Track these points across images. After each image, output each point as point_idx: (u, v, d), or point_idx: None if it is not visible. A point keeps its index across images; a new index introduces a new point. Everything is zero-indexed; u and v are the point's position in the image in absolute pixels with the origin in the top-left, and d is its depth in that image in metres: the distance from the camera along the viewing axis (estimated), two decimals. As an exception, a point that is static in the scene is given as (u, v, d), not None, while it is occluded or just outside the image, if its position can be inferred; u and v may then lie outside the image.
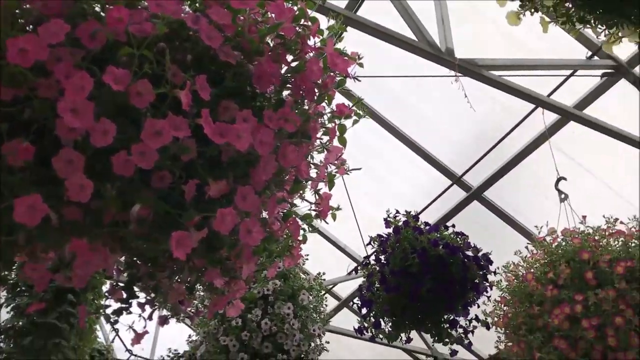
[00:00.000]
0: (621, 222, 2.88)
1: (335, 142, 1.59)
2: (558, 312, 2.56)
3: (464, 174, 5.20)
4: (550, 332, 2.59)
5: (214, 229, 1.19)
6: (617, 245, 2.77)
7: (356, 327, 3.97)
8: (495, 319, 2.98)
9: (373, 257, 3.96)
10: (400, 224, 3.93)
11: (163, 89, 1.15)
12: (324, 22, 1.60)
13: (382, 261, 3.86)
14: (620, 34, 1.85)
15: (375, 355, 7.63)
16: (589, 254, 2.68)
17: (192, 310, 2.12)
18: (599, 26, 1.87)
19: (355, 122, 1.64)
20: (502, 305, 2.97)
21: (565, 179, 3.59)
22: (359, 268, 5.63)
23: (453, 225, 3.95)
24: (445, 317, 3.89)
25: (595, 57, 3.65)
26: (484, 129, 4.82)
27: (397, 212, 4.10)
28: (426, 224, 3.98)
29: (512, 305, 2.88)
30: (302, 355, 3.45)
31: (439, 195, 5.46)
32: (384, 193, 5.87)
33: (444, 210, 5.50)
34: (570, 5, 1.83)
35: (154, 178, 1.20)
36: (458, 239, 3.86)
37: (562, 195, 3.50)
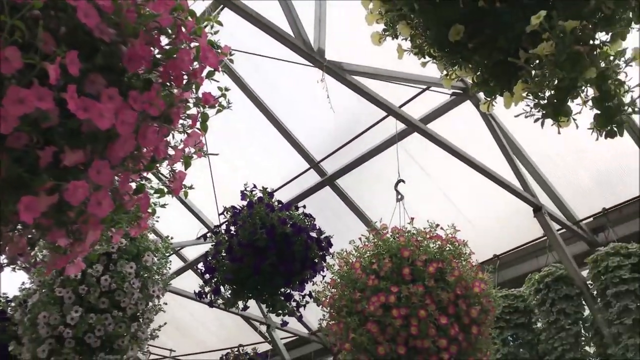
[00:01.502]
0: (441, 228, 3.30)
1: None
2: (375, 299, 2.90)
3: (321, 160, 5.51)
4: (366, 316, 2.93)
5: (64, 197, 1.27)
6: (434, 248, 3.17)
7: (197, 291, 4.12)
8: (323, 298, 3.27)
9: (224, 226, 4.11)
10: (255, 198, 4.12)
11: (32, 59, 1.19)
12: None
13: (232, 232, 4.03)
14: (457, 73, 2.15)
15: (214, 318, 7.84)
16: (409, 252, 3.05)
17: (30, 261, 2.13)
18: (445, 63, 2.16)
19: (218, 111, 1.77)
20: (331, 287, 3.27)
21: (404, 181, 3.97)
22: (208, 235, 5.75)
23: (304, 207, 4.22)
24: (282, 290, 4.17)
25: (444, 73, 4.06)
26: (347, 121, 5.14)
27: (255, 186, 4.28)
28: (279, 202, 4.21)
29: (339, 288, 3.18)
30: (138, 314, 3.52)
31: (295, 177, 5.74)
32: (249, 168, 6.02)
33: (299, 190, 5.79)
34: (423, 41, 2.09)
35: (10, 138, 1.24)
36: (306, 220, 4.14)
37: (399, 196, 3.89)
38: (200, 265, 4.21)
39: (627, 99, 1.70)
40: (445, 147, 4.29)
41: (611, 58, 1.74)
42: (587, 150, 4.69)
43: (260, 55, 3.79)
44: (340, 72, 3.60)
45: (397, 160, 3.96)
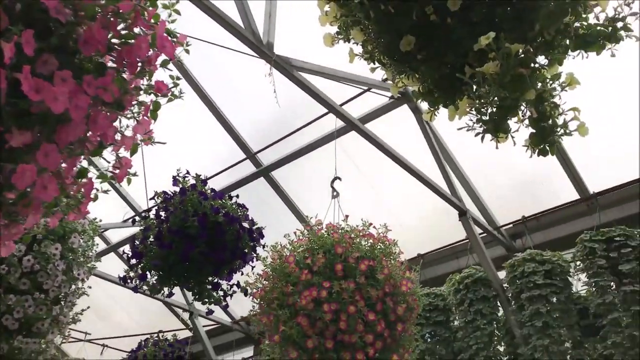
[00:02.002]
0: (373, 227, 3.39)
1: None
2: (307, 294, 2.95)
3: (258, 151, 5.51)
4: (297, 310, 2.98)
5: (9, 179, 1.23)
6: (366, 246, 3.27)
7: (121, 276, 4.03)
8: (254, 290, 3.30)
9: (154, 211, 4.04)
10: (188, 185, 4.07)
11: (-14, 35, 1.15)
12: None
13: (162, 217, 3.96)
14: (404, 81, 2.22)
15: (134, 302, 7.66)
16: (342, 249, 3.12)
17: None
18: (393, 71, 2.23)
19: (169, 100, 1.75)
20: (263, 279, 3.29)
21: (340, 179, 4.05)
22: (137, 219, 5.62)
23: (237, 196, 4.22)
24: (210, 279, 4.15)
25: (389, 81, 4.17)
26: (287, 115, 5.16)
27: (188, 173, 4.23)
28: (212, 190, 4.18)
29: (271, 281, 3.22)
30: (61, 297, 3.41)
31: (231, 166, 5.71)
32: (183, 154, 5.92)
33: (233, 180, 5.76)
34: (374, 47, 2.15)
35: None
36: (239, 210, 4.14)
37: (335, 193, 3.96)
38: (127, 249, 4.13)
39: (560, 120, 1.83)
40: (381, 148, 4.40)
41: (548, 81, 1.86)
42: (510, 160, 4.94)
43: (208, 42, 3.75)
44: (288, 68, 3.62)
45: (335, 157, 4.03)
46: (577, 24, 1.84)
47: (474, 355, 4.65)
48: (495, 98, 1.75)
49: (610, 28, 1.83)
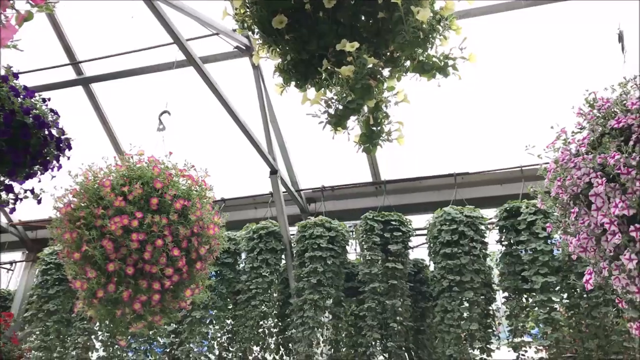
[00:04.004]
0: (194, 169, 3.54)
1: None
2: (118, 220, 3.02)
3: (84, 61, 5.21)
4: (104, 233, 3.03)
5: None
6: (185, 185, 3.41)
7: None
8: (61, 205, 3.24)
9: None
10: (-2, 75, 3.76)
11: None
12: None
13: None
14: (266, 53, 2.40)
15: None
16: (162, 185, 3.23)
17: None
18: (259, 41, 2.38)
19: (41, 11, 1.71)
20: (71, 195, 3.25)
21: (169, 113, 4.08)
22: None
23: (49, 99, 3.99)
24: (2, 179, 3.91)
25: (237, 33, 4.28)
26: (130, 34, 4.95)
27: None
28: (25, 87, 3.91)
29: (81, 199, 3.19)
30: None
31: (49, 68, 5.31)
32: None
33: (47, 81, 5.37)
34: (249, 16, 2.29)
35: None
36: (50, 114, 3.94)
37: (161, 126, 3.99)
38: None
39: (386, 128, 2.18)
40: (215, 91, 4.49)
41: (385, 93, 2.21)
42: (325, 136, 5.40)
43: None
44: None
45: (171, 93, 4.04)
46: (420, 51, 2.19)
47: (252, 297, 5.10)
48: (345, 97, 2.03)
49: (443, 63, 2.22)
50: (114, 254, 3.03)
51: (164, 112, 4.06)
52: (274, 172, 5.21)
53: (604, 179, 2.25)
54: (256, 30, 2.32)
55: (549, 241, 4.59)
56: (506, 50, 4.79)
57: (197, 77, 4.41)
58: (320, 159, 6.02)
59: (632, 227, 2.13)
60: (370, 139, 2.15)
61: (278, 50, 2.35)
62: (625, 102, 2.40)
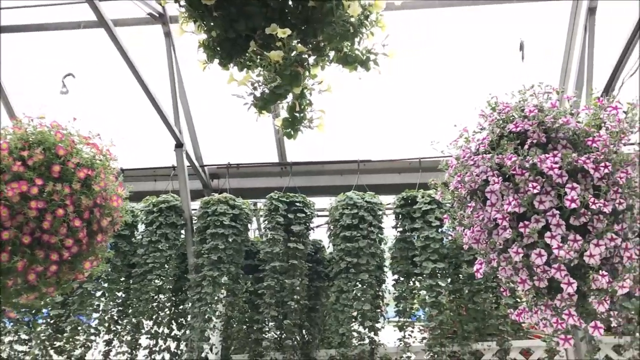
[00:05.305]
0: (99, 137, 3.40)
1: None
2: (15, 185, 2.85)
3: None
4: (-1, 198, 2.85)
5: None
6: (88, 154, 3.27)
7: None
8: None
9: None
10: None
11: None
12: None
13: None
14: (191, 28, 2.36)
15: None
16: (65, 152, 3.08)
17: None
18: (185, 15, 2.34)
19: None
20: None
21: (73, 75, 3.89)
22: None
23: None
24: None
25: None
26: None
27: None
28: None
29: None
30: None
31: None
32: None
33: None
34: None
35: None
36: None
37: (64, 89, 3.79)
38: None
39: (308, 115, 2.25)
40: (124, 56, 4.31)
41: (310, 81, 2.26)
42: (234, 114, 5.37)
43: None
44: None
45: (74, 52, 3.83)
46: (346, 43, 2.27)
47: (150, 271, 5.01)
48: (271, 82, 2.06)
49: (365, 57, 2.31)
50: (9, 221, 2.86)
51: (68, 74, 3.86)
52: (179, 145, 5.10)
53: (500, 178, 2.47)
54: (182, 2, 2.29)
55: (440, 230, 4.90)
56: (415, 46, 5.01)
57: (104, 41, 4.21)
58: (227, 135, 5.98)
59: (521, 224, 2.36)
60: (292, 125, 2.21)
61: (204, 25, 2.33)
62: (523, 108, 2.62)
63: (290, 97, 2.18)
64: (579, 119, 2.58)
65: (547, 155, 2.37)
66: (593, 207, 2.25)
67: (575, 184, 2.28)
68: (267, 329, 5.03)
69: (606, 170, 2.27)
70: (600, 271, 2.24)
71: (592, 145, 2.36)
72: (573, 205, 2.24)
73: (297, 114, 2.20)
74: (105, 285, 5.16)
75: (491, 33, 5.01)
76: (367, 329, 4.79)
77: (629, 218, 2.33)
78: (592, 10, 4.50)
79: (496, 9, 4.75)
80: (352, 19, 2.11)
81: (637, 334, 4.18)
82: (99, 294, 5.14)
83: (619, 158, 2.32)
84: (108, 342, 5.12)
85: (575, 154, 2.34)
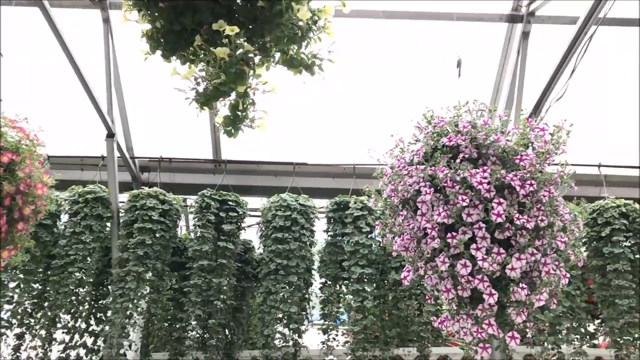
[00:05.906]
0: (26, 120, 3.26)
1: None
2: None
3: None
4: None
5: None
6: (14, 138, 3.12)
7: None
8: None
9: None
10: None
11: None
12: None
13: None
14: (134, 17, 2.30)
15: None
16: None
17: None
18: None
19: None
20: None
21: (2, 54, 3.69)
22: None
23: None
24: None
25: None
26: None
27: None
28: None
29: None
30: None
31: None
32: None
33: None
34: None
35: None
36: None
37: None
38: None
39: (250, 115, 2.24)
40: (58, 37, 4.13)
41: (252, 80, 2.25)
42: (168, 106, 5.28)
43: None
44: None
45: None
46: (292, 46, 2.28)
47: (68, 264, 4.81)
48: (216, 80, 2.04)
49: (310, 61, 2.33)
50: None
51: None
52: (111, 135, 4.94)
53: (431, 189, 2.55)
54: (127, -11, 2.23)
55: (370, 236, 4.99)
56: (357, 55, 5.09)
57: (38, 20, 4.03)
58: (160, 128, 5.85)
59: (449, 234, 2.45)
60: (234, 123, 2.19)
61: (148, 15, 2.27)
62: (457, 123, 2.73)
63: (233, 95, 2.17)
64: (509, 137, 2.71)
65: (477, 170, 2.48)
66: (517, 222, 2.36)
67: (502, 200, 2.39)
68: (191, 328, 4.95)
69: (531, 188, 2.39)
70: (520, 284, 2.36)
71: (519, 163, 2.48)
72: (499, 220, 2.35)
73: (239, 113, 2.19)
74: (21, 276, 4.91)
75: (430, 48, 5.17)
76: (291, 331, 4.80)
77: (549, 235, 2.46)
78: (525, 35, 4.73)
79: (437, 25, 4.91)
80: (301, 23, 2.12)
81: (547, 345, 4.42)
82: (13, 285, 4.89)
83: (544, 177, 2.46)
84: (19, 336, 4.87)
85: (504, 170, 2.46)
